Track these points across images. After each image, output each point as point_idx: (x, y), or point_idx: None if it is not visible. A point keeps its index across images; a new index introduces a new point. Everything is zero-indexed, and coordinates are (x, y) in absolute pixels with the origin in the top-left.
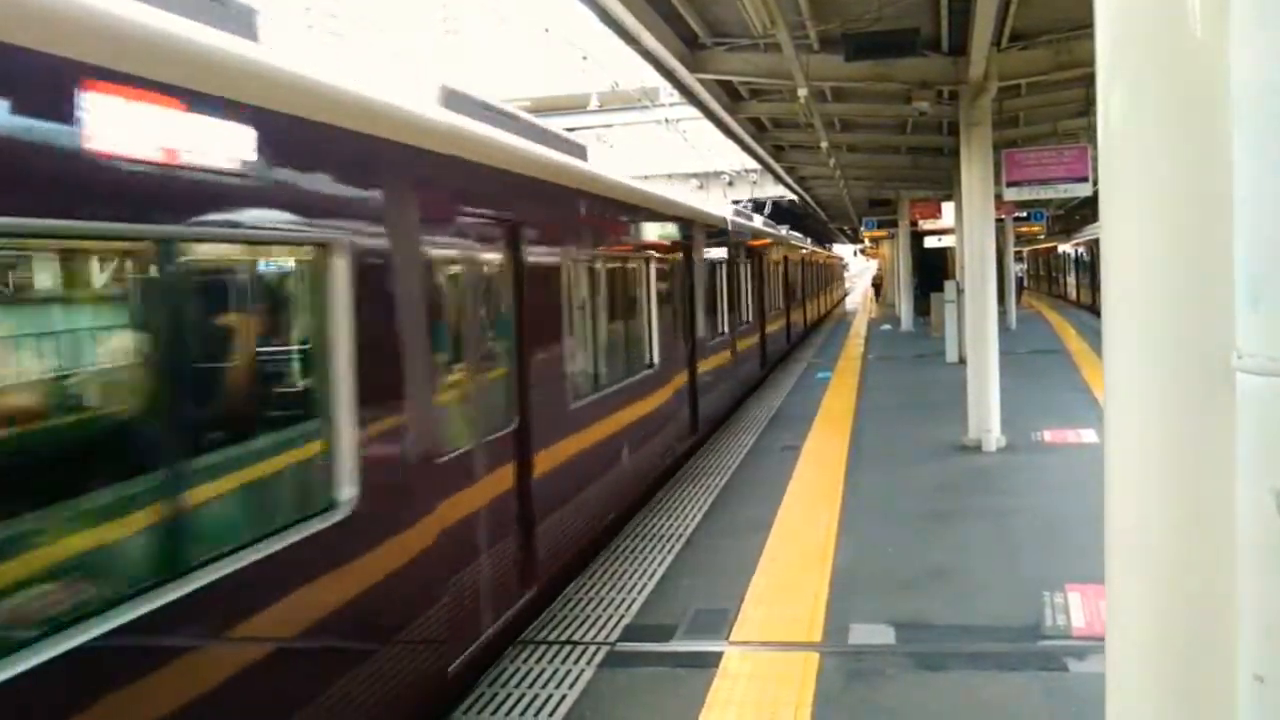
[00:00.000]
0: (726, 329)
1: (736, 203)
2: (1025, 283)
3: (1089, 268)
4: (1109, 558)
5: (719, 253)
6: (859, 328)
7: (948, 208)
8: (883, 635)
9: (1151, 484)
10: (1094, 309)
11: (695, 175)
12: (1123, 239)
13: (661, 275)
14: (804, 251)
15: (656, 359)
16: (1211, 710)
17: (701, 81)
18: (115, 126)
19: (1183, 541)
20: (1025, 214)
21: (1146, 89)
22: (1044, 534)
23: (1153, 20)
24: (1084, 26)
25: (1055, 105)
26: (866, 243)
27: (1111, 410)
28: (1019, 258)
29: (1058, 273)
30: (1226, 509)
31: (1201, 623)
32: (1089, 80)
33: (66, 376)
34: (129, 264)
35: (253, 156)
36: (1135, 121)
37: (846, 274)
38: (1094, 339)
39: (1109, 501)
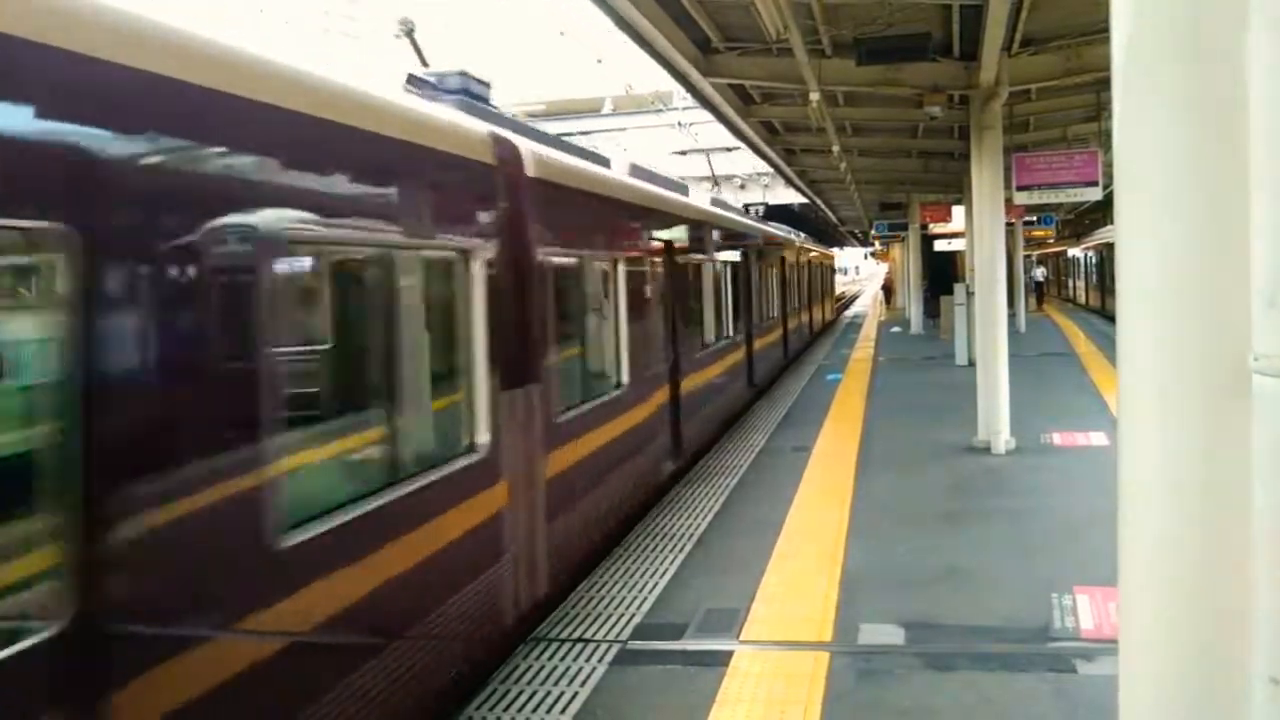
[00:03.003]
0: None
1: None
2: (1046, 287)
3: (1099, 270)
4: (1122, 559)
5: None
6: (869, 331)
7: (958, 211)
8: (892, 635)
9: (1166, 486)
10: (1103, 312)
11: (707, 178)
12: (1138, 241)
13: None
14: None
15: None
16: (1225, 713)
17: (714, 85)
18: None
19: (1197, 544)
20: (1034, 219)
21: (1162, 89)
22: (1053, 536)
23: (1168, 21)
24: (1094, 31)
25: (1065, 110)
26: (877, 245)
27: (1126, 412)
28: (1038, 261)
29: (1067, 276)
30: (1242, 511)
31: (1216, 625)
32: (1099, 85)
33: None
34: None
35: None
36: (1150, 122)
37: (856, 277)
38: (1103, 342)
39: (1122, 503)
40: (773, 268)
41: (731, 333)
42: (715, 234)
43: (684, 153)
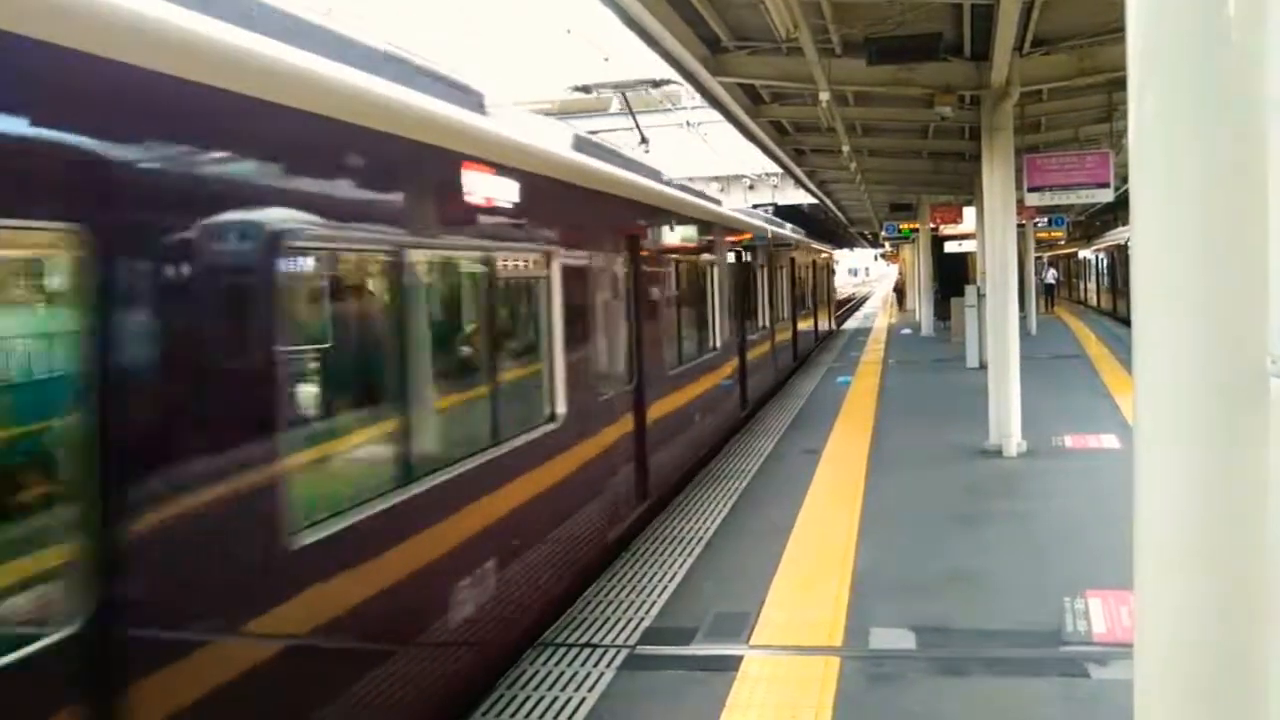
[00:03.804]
0: None
1: None
2: (1057, 289)
3: (1110, 273)
4: (1138, 564)
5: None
6: (879, 333)
7: (968, 212)
8: (903, 639)
9: (1183, 490)
10: (1115, 315)
11: (716, 179)
12: (1154, 243)
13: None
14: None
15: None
16: (1244, 718)
17: (723, 84)
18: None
19: (1215, 548)
20: (1044, 220)
21: (1179, 89)
22: (1064, 539)
23: (1187, 20)
24: (1106, 32)
25: (1077, 110)
26: (887, 247)
27: (1142, 416)
28: (1049, 262)
29: (1078, 278)
30: (1260, 515)
31: (1234, 630)
32: (1111, 85)
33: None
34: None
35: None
36: (1168, 122)
37: (866, 278)
38: (1114, 344)
39: (1139, 508)
40: (720, 272)
41: (605, 390)
42: (552, 207)
43: (587, 89)
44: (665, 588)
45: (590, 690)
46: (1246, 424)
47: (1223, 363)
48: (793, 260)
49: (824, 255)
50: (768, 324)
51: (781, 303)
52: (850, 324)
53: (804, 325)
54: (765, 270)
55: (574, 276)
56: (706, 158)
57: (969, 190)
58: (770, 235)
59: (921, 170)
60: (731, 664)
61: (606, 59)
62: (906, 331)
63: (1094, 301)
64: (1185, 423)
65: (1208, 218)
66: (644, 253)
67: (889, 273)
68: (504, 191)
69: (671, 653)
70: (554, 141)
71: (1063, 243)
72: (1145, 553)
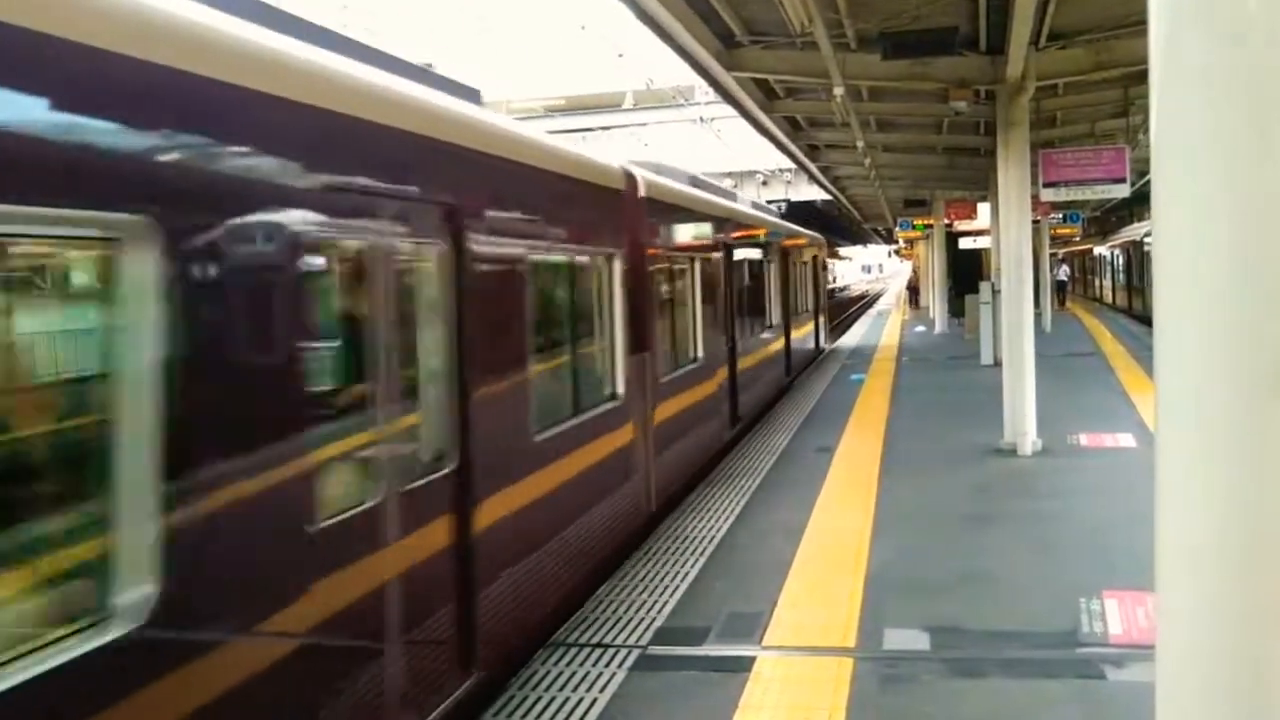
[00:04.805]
0: None
1: None
2: (1070, 286)
3: (1127, 269)
4: (1160, 567)
5: None
6: (892, 331)
7: (983, 208)
8: (917, 640)
9: (1206, 491)
10: (1130, 312)
11: (730, 174)
12: (1177, 239)
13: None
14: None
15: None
16: None
17: (737, 79)
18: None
19: (1238, 550)
20: (1059, 216)
21: (1203, 80)
22: (1080, 539)
23: (1211, 11)
24: (1123, 26)
25: (1093, 105)
26: (901, 243)
27: (1165, 414)
28: (1061, 259)
29: (1093, 275)
30: None
31: (1258, 633)
32: (1127, 80)
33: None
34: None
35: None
36: (1190, 115)
37: (879, 275)
38: (1130, 342)
39: (1160, 510)
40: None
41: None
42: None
43: None
44: (677, 587)
45: (602, 691)
46: (1271, 422)
47: (1247, 360)
48: (728, 249)
49: (806, 245)
50: (670, 376)
51: (707, 338)
52: (855, 329)
53: (767, 353)
54: (663, 275)
55: None
56: (720, 153)
57: (983, 186)
58: (660, 201)
59: (936, 165)
60: (744, 664)
61: (620, 55)
62: (920, 329)
63: (1109, 299)
64: (1208, 421)
65: (1231, 213)
66: None
67: (903, 269)
68: None
69: (684, 653)
70: None
71: (1077, 239)
72: (1167, 553)
